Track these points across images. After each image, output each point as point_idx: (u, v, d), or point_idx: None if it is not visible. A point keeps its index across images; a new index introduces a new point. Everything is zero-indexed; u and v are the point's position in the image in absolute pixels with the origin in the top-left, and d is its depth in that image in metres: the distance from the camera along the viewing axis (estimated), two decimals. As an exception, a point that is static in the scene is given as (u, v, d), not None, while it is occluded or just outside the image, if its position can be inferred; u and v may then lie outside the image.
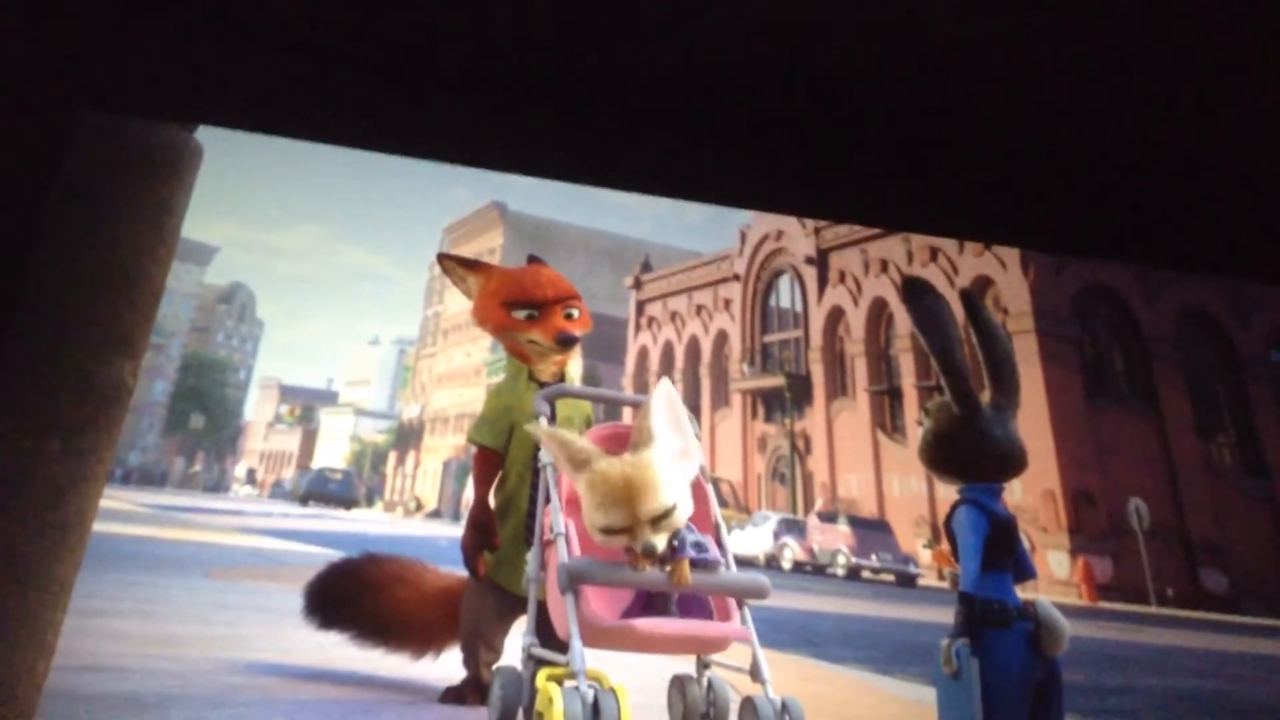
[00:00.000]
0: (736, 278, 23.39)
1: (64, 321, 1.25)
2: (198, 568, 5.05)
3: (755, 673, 1.77)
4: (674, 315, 25.67)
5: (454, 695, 2.16)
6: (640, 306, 27.16)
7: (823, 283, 20.52)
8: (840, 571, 14.32)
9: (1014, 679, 1.58)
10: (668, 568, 1.71)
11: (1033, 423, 14.39)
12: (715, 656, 1.94)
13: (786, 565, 14.87)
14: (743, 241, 23.33)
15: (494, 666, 1.99)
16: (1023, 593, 1.67)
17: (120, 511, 10.22)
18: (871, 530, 15.18)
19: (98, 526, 1.34)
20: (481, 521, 2.19)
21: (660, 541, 1.66)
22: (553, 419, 2.07)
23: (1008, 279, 16.40)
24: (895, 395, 18.50)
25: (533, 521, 2.02)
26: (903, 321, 17.46)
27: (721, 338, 23.76)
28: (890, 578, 14.36)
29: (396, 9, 1.23)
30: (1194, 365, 16.13)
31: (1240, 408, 15.82)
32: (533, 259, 2.49)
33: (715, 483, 2.11)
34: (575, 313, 2.30)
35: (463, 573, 2.22)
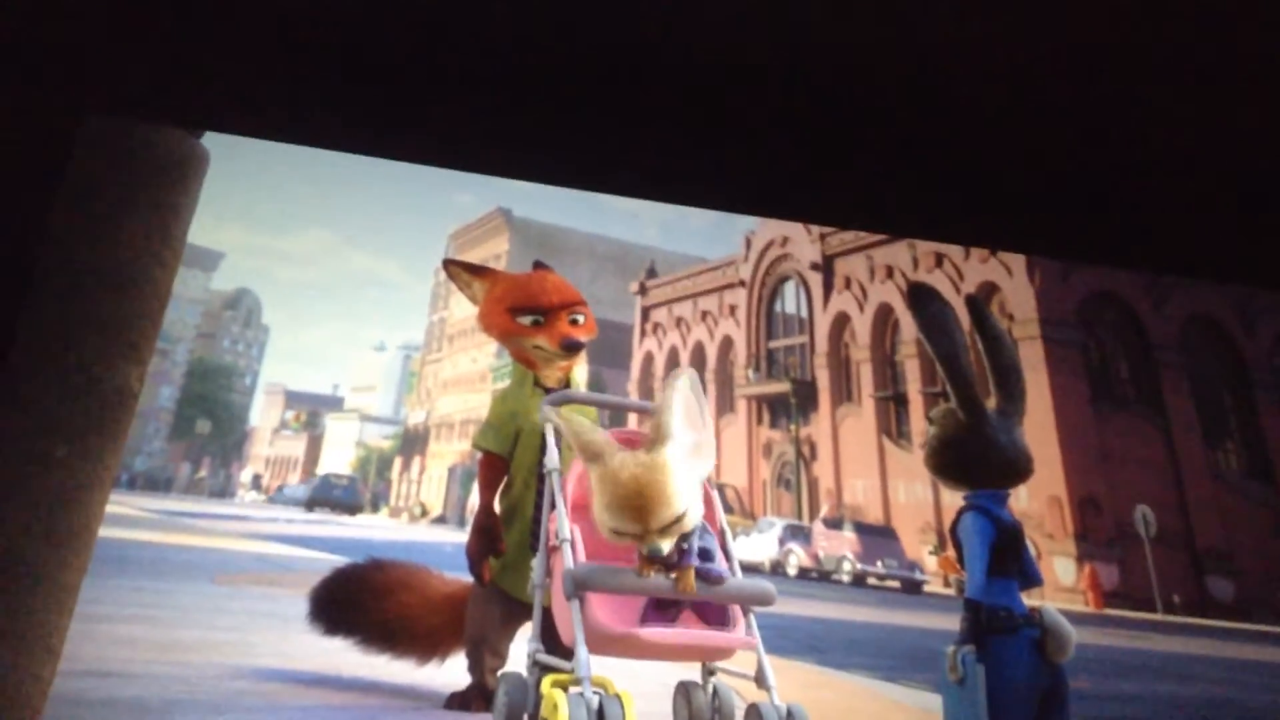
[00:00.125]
0: (742, 284, 23.35)
1: (70, 326, 1.25)
2: (204, 573, 5.05)
3: (760, 679, 1.77)
4: (679, 321, 25.64)
5: (459, 701, 2.16)
6: (645, 312, 27.12)
7: (828, 289, 20.48)
8: (846, 578, 14.26)
9: (1020, 686, 1.57)
10: (673, 574, 1.70)
11: (1039, 429, 14.34)
12: (720, 663, 1.93)
13: (792, 572, 14.82)
14: (748, 247, 23.29)
15: (499, 673, 1.99)
16: (1029, 599, 1.66)
17: (126, 516, 10.23)
18: (877, 537, 15.13)
19: (103, 531, 1.34)
20: (487, 527, 2.19)
21: (667, 545, 1.65)
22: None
23: (1013, 285, 16.35)
24: (901, 401, 18.44)
25: (538, 527, 2.02)
26: (908, 328, 17.43)
27: (727, 343, 23.71)
28: (896, 584, 14.30)
29: (400, 18, 1.24)
30: (1200, 372, 16.07)
31: (1247, 414, 15.74)
32: (538, 265, 2.50)
33: (720, 489, 2.10)
34: (580, 318, 2.30)
35: (468, 579, 2.22)
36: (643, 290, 27.37)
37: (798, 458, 20.14)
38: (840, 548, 14.71)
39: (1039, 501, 14.66)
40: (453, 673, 2.28)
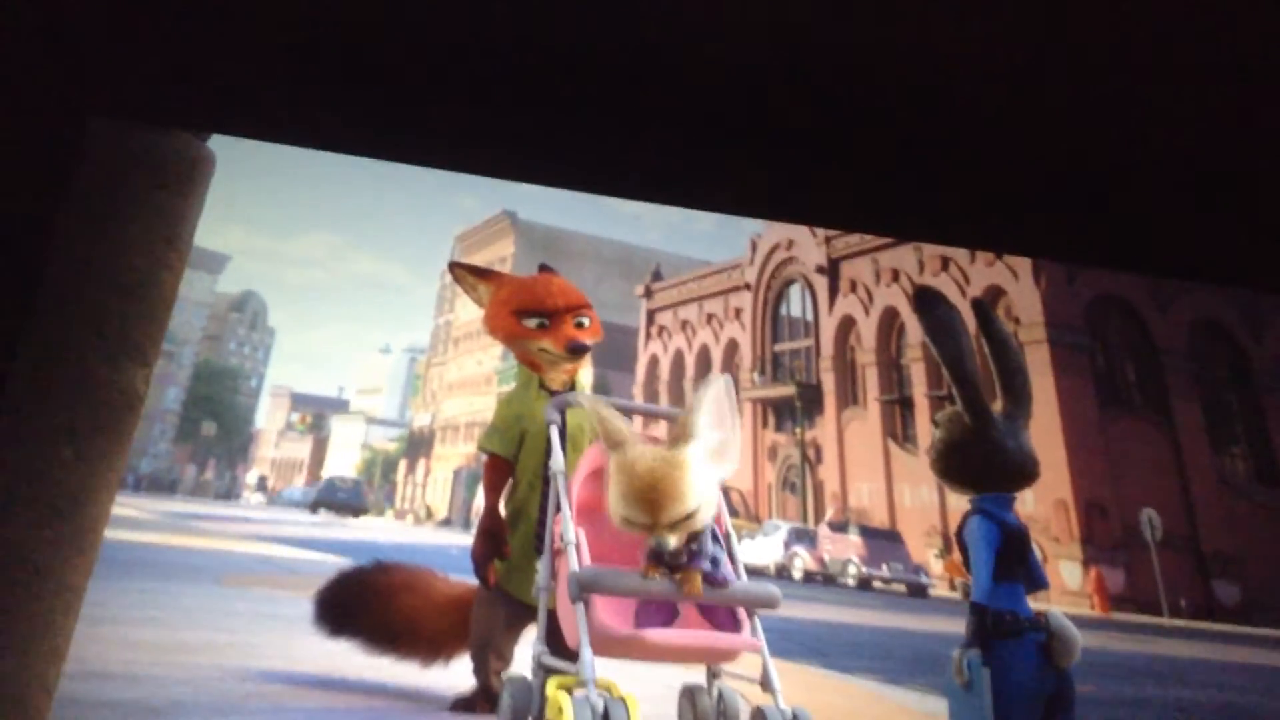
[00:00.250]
0: (747, 287, 23.33)
1: (76, 329, 1.25)
2: (209, 575, 5.06)
3: (765, 683, 1.77)
4: (684, 324, 25.62)
5: (464, 704, 2.16)
6: (651, 315, 27.11)
7: (834, 292, 20.46)
8: (851, 581, 14.24)
9: (1026, 690, 1.57)
10: (678, 576, 1.70)
11: (1044, 433, 14.30)
12: (725, 666, 1.93)
13: (797, 575, 14.79)
14: (753, 250, 23.28)
15: (504, 675, 1.99)
16: (1035, 603, 1.66)
17: (132, 518, 10.25)
18: (883, 540, 15.10)
19: (109, 533, 1.34)
20: (492, 530, 2.19)
21: (674, 540, 1.65)
22: (563, 428, 2.07)
23: (1019, 289, 16.32)
24: (907, 405, 18.41)
25: (543, 530, 2.02)
26: (914, 331, 17.41)
27: (732, 346, 23.69)
28: (901, 588, 14.27)
29: (404, 21, 1.24)
30: (1207, 376, 16.02)
31: (1253, 419, 15.69)
32: (544, 268, 2.50)
33: (725, 492, 2.10)
34: (586, 321, 2.30)
35: (473, 581, 2.22)
36: (648, 293, 27.36)
37: (803, 461, 20.11)
38: (845, 551, 14.69)
39: (1045, 505, 14.62)
40: (457, 675, 2.28)
